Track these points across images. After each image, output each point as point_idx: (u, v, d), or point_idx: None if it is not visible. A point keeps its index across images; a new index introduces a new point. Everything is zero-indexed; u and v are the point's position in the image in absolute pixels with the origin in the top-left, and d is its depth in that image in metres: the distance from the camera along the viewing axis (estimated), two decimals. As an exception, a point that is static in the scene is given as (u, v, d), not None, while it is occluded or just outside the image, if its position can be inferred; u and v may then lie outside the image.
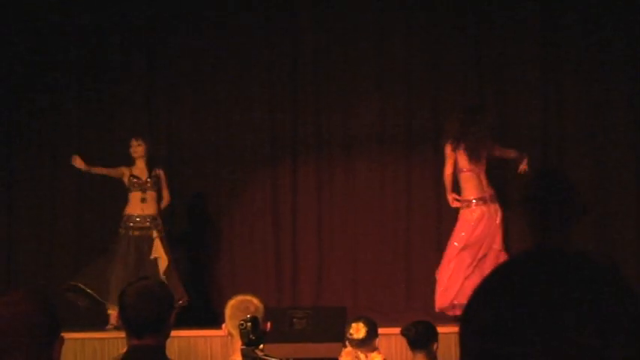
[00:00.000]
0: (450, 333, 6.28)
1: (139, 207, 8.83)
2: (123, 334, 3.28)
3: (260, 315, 3.92)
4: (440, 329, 5.68)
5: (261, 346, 3.65)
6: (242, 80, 9.81)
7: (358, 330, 5.66)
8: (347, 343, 5.74)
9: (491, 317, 1.02)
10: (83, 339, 8.07)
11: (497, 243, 8.35)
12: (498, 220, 8.38)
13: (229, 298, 4.36)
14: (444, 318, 7.97)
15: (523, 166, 8.53)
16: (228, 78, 9.82)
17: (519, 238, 8.68)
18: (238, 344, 3.77)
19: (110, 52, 9.94)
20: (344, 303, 8.66)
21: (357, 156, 9.67)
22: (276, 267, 9.65)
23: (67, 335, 2.48)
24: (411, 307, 9.09)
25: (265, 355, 3.61)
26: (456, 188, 8.44)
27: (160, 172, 9.01)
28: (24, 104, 9.98)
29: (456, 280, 8.24)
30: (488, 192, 8.38)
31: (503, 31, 9.47)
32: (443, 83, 9.57)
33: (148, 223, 8.79)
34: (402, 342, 6.93)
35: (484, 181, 8.37)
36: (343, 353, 5.77)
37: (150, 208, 8.84)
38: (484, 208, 8.33)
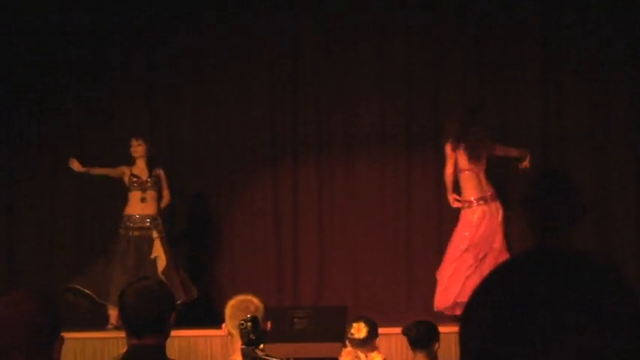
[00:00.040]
0: (450, 333, 6.27)
1: (139, 207, 8.84)
2: (123, 334, 3.29)
3: (260, 315, 3.92)
4: (440, 329, 5.68)
5: (262, 345, 3.65)
6: (242, 80, 9.81)
7: (359, 330, 5.67)
8: (347, 342, 5.74)
9: (491, 317, 1.02)
10: (83, 339, 8.08)
11: (498, 242, 8.34)
12: (500, 218, 8.37)
13: (229, 297, 4.36)
14: (445, 318, 7.97)
15: (525, 163, 8.53)
16: (228, 78, 9.82)
17: (519, 238, 8.66)
18: (238, 344, 3.77)
19: (110, 52, 9.94)
20: (344, 303, 8.64)
21: (358, 156, 9.67)
22: (277, 267, 9.65)
23: (67, 335, 2.48)
24: (411, 307, 9.09)
25: (265, 355, 3.61)
26: (456, 188, 8.44)
27: (161, 172, 9.01)
28: (24, 104, 9.98)
29: (457, 279, 8.23)
30: (489, 191, 8.39)
31: (503, 31, 9.47)
32: (443, 83, 9.57)
33: (147, 223, 8.80)
34: (403, 342, 6.94)
35: (483, 181, 8.37)
36: (343, 353, 5.77)
37: (150, 208, 8.85)
38: (485, 207, 8.34)
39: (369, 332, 5.68)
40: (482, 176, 8.37)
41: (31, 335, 2.32)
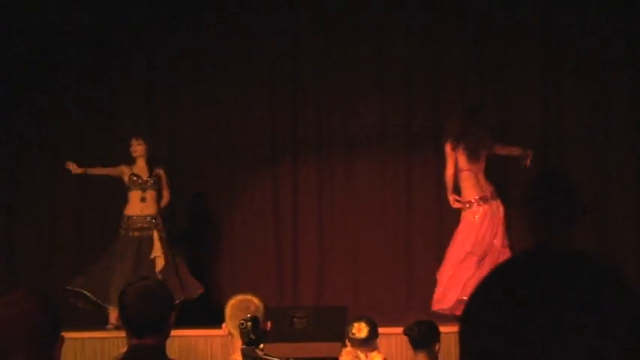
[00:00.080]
0: (450, 333, 6.27)
1: (139, 207, 8.83)
2: (123, 334, 3.28)
3: (260, 314, 3.92)
4: (440, 329, 5.68)
5: (262, 345, 3.65)
6: (242, 80, 9.81)
7: (360, 329, 5.67)
8: (347, 342, 5.74)
9: (491, 317, 1.03)
10: (83, 338, 8.08)
11: (499, 240, 8.32)
12: (501, 216, 8.36)
13: (229, 297, 4.36)
14: (444, 318, 7.96)
15: (527, 161, 8.53)
16: (228, 78, 9.82)
17: (519, 238, 8.67)
18: (238, 344, 3.77)
19: (110, 52, 9.94)
20: (344, 303, 8.66)
21: (358, 156, 9.68)
22: (277, 267, 9.66)
23: (67, 335, 2.48)
24: (411, 307, 9.10)
25: (265, 355, 3.61)
26: (455, 188, 8.43)
27: (161, 172, 9.02)
28: (24, 104, 9.98)
29: (458, 280, 8.22)
30: (488, 190, 8.37)
31: (503, 31, 9.47)
32: (443, 83, 9.57)
33: (148, 224, 8.80)
34: (403, 342, 6.94)
35: (482, 180, 8.36)
36: (343, 353, 5.77)
37: (150, 208, 8.85)
38: (486, 207, 8.33)
39: (370, 332, 5.68)
40: (480, 176, 8.37)
41: (31, 335, 2.32)
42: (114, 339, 7.79)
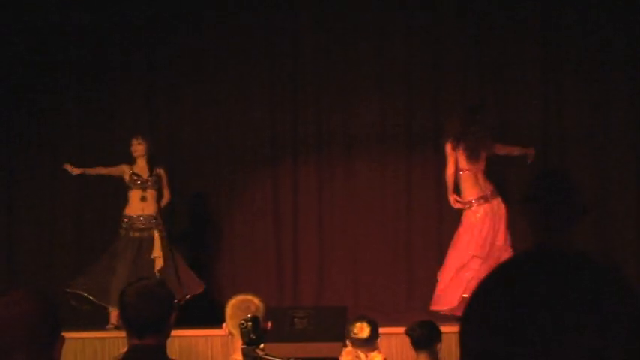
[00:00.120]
0: (450, 332, 6.27)
1: (140, 207, 8.83)
2: (123, 334, 3.29)
3: (260, 314, 3.93)
4: (441, 329, 5.68)
5: (262, 345, 3.66)
6: (242, 80, 9.81)
7: (362, 329, 5.67)
8: (348, 342, 5.75)
9: (491, 317, 1.03)
10: (84, 338, 8.08)
11: (501, 239, 8.31)
12: (502, 214, 8.34)
13: (230, 297, 4.37)
14: (445, 318, 7.96)
15: (530, 160, 8.54)
16: (228, 78, 9.82)
17: (520, 238, 8.66)
18: (239, 343, 3.78)
19: (110, 52, 9.94)
20: (345, 302, 8.66)
21: (358, 156, 9.68)
22: (277, 267, 9.66)
23: (67, 335, 2.48)
24: (411, 307, 9.10)
25: (266, 355, 3.62)
26: (456, 188, 8.43)
27: (161, 171, 9.02)
28: (24, 104, 9.98)
29: (460, 280, 8.20)
30: (488, 189, 8.36)
31: (503, 31, 9.47)
32: (443, 83, 9.57)
33: (148, 224, 8.79)
34: (403, 342, 6.94)
35: (481, 180, 8.35)
36: (344, 352, 5.77)
37: (150, 208, 8.85)
38: (486, 206, 8.32)
39: (371, 332, 5.69)
40: (480, 175, 8.36)
41: (31, 335, 2.32)
42: (114, 339, 7.79)
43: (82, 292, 8.61)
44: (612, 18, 9.25)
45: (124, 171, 8.90)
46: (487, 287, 1.07)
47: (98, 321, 8.63)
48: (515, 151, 8.63)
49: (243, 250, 9.71)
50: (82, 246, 9.72)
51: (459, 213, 8.44)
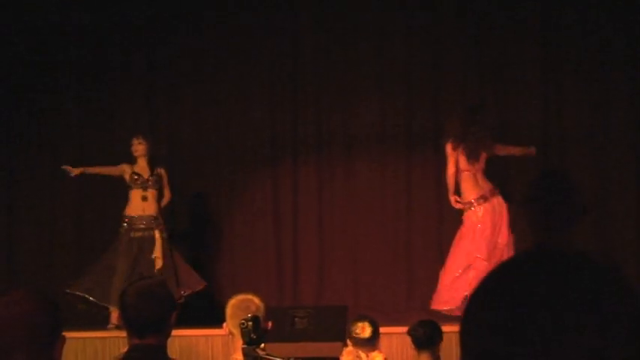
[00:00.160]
0: (451, 332, 6.28)
1: (140, 207, 8.83)
2: (124, 334, 3.29)
3: (261, 314, 3.93)
4: (442, 328, 5.69)
5: (263, 345, 3.66)
6: (242, 80, 9.81)
7: (364, 329, 5.68)
8: (349, 342, 5.75)
9: (491, 317, 1.03)
10: (84, 338, 8.08)
11: (503, 238, 8.30)
12: (504, 213, 8.33)
13: (230, 297, 4.37)
14: (445, 317, 7.95)
15: (531, 154, 8.55)
16: (228, 78, 9.82)
17: (520, 238, 8.66)
18: (239, 343, 3.78)
19: (110, 52, 9.94)
20: (345, 302, 8.64)
21: (358, 156, 9.68)
22: (277, 266, 9.66)
23: (68, 334, 2.48)
24: (411, 307, 9.10)
25: (266, 355, 3.62)
26: (456, 189, 8.42)
27: (162, 171, 9.02)
28: (24, 104, 9.98)
29: (464, 281, 8.18)
30: (487, 188, 8.34)
31: (503, 31, 9.47)
32: (443, 83, 9.57)
33: (149, 224, 8.79)
34: (403, 341, 6.94)
35: (480, 180, 8.34)
36: (344, 352, 5.77)
37: (150, 208, 8.85)
38: (486, 205, 8.31)
39: (373, 332, 5.70)
40: (479, 176, 8.35)
41: (32, 335, 2.33)
42: (115, 339, 7.79)
43: (82, 294, 8.60)
44: (612, 18, 9.25)
45: (125, 170, 8.90)
46: (487, 287, 1.07)
47: (99, 321, 8.63)
48: (516, 151, 8.62)
49: (244, 250, 9.71)
50: (82, 246, 9.72)
51: (459, 213, 8.44)
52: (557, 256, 1.05)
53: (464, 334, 1.07)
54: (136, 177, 8.86)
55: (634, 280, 1.04)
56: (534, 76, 9.43)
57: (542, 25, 9.46)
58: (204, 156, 9.83)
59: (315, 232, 9.68)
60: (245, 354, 3.64)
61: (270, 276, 9.60)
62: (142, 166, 8.92)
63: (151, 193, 8.88)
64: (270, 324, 4.04)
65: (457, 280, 8.20)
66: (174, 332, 3.39)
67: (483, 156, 8.34)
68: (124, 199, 8.91)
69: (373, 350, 5.73)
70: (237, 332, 3.83)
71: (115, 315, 8.27)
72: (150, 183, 8.89)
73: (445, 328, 5.74)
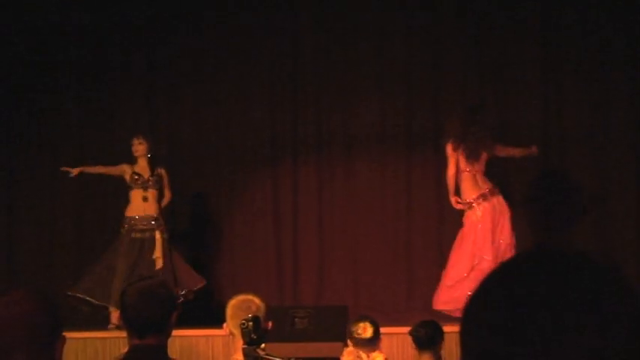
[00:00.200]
0: (452, 332, 6.28)
1: (141, 207, 8.83)
2: (124, 334, 3.29)
3: (261, 314, 3.93)
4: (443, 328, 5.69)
5: (263, 345, 3.66)
6: (242, 80, 9.81)
7: (365, 329, 5.68)
8: (349, 342, 5.75)
9: (491, 317, 1.03)
10: (85, 338, 8.08)
11: (506, 238, 8.28)
12: (505, 211, 8.32)
13: (230, 297, 4.37)
14: (446, 317, 7.95)
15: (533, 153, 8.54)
16: (228, 78, 9.82)
17: (520, 238, 8.67)
18: (240, 343, 3.78)
19: (110, 52, 9.94)
20: (345, 302, 8.65)
21: (358, 156, 9.68)
22: (277, 266, 9.66)
23: (68, 335, 2.48)
24: (411, 307, 9.10)
25: (267, 355, 3.62)
26: (456, 189, 8.42)
27: (162, 171, 9.02)
28: (24, 104, 9.98)
29: (470, 280, 8.16)
30: (486, 187, 8.33)
31: (503, 31, 9.48)
32: (443, 83, 9.57)
33: (150, 224, 8.79)
34: (403, 341, 6.95)
35: (480, 180, 8.34)
36: (345, 353, 5.77)
37: (151, 208, 8.84)
38: (486, 204, 8.30)
39: (374, 332, 5.70)
40: (479, 176, 8.35)
41: (32, 335, 2.32)
42: (115, 339, 7.79)
43: (82, 296, 8.60)
44: (612, 18, 9.25)
45: (125, 170, 8.89)
46: (487, 287, 1.07)
47: (99, 321, 8.63)
48: (517, 152, 8.61)
49: (244, 250, 9.71)
50: (82, 246, 9.72)
51: (459, 213, 8.44)
52: (557, 256, 1.05)
53: (464, 334, 1.07)
54: (136, 177, 8.86)
55: (634, 280, 1.04)
56: (534, 76, 9.43)
57: (542, 25, 9.46)
58: (204, 156, 9.83)
59: (315, 232, 9.68)
60: (245, 354, 3.64)
61: (270, 276, 9.60)
62: (142, 166, 8.92)
63: (151, 194, 8.88)
64: (270, 324, 4.04)
65: (465, 281, 8.16)
66: (175, 332, 3.38)
67: (484, 156, 8.33)
68: (124, 199, 8.91)
69: (374, 350, 5.74)
70: (237, 332, 3.83)
71: (115, 315, 8.27)
72: (150, 183, 8.89)
73: (446, 329, 5.75)
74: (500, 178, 8.71)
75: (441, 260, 8.81)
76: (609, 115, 9.27)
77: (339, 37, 9.72)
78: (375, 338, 5.72)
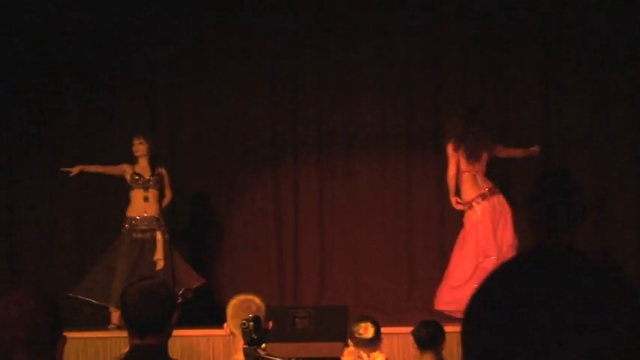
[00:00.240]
0: (453, 332, 6.28)
1: (142, 207, 8.82)
2: (125, 334, 3.29)
3: (262, 314, 3.93)
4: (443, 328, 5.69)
5: (264, 345, 3.66)
6: (242, 80, 9.81)
7: (367, 330, 5.68)
8: (350, 342, 5.75)
9: (491, 317, 1.03)
10: (85, 338, 8.08)
11: (509, 238, 8.27)
12: (506, 211, 8.30)
13: (231, 297, 4.37)
14: (448, 318, 7.95)
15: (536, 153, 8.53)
16: (229, 78, 9.82)
17: (520, 238, 8.67)
18: (240, 343, 3.78)
19: (110, 52, 9.94)
20: (345, 302, 8.66)
21: (358, 156, 9.68)
22: (278, 266, 9.66)
23: (69, 335, 2.48)
24: (412, 307, 9.10)
25: (267, 355, 3.62)
26: (456, 190, 8.41)
27: (163, 171, 9.01)
28: (24, 104, 9.98)
29: (475, 281, 8.15)
30: (486, 187, 8.32)
31: (503, 31, 9.48)
32: (443, 83, 9.57)
33: (151, 225, 8.78)
34: (404, 341, 6.95)
35: (480, 180, 8.33)
36: (345, 353, 5.77)
37: (152, 208, 8.83)
38: (485, 203, 8.29)
39: (375, 332, 5.70)
40: (479, 177, 8.34)
41: (33, 335, 2.32)
42: (116, 339, 7.79)
43: (83, 297, 8.60)
44: (612, 18, 9.25)
45: (126, 170, 8.89)
46: (487, 287, 1.07)
47: (100, 321, 8.63)
48: (517, 153, 8.60)
49: (244, 250, 9.71)
50: (82, 246, 9.72)
51: (460, 213, 8.43)
52: (557, 256, 1.05)
53: (465, 334, 1.07)
54: (137, 177, 8.86)
55: (634, 280, 1.05)
56: (534, 76, 9.43)
57: (542, 25, 9.46)
58: (205, 156, 9.83)
59: (316, 232, 9.68)
60: (246, 354, 3.64)
61: (270, 276, 9.60)
62: (142, 166, 8.91)
63: (152, 194, 8.88)
64: (271, 324, 4.04)
65: (470, 281, 8.12)
66: (176, 332, 3.39)
67: (484, 157, 8.32)
68: (125, 199, 8.90)
69: (375, 350, 5.74)
70: (238, 332, 3.83)
71: (115, 315, 8.27)
72: (151, 183, 8.88)
73: (447, 329, 5.75)
74: (500, 178, 8.71)
75: (441, 260, 8.82)
76: (609, 115, 9.27)
77: (339, 37, 9.72)
78: (376, 338, 5.72)
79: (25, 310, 2.33)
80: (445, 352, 5.66)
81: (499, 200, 8.33)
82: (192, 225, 9.89)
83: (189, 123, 9.92)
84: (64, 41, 9.89)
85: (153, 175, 8.90)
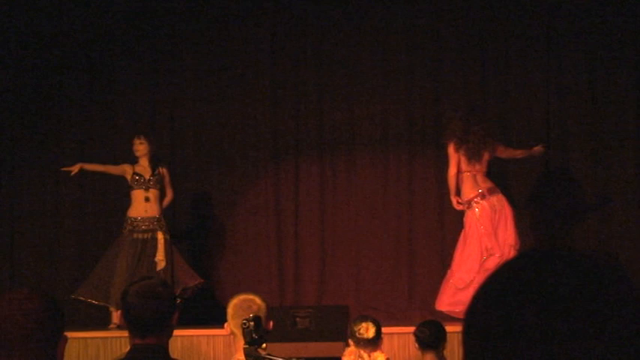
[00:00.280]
0: (454, 332, 6.28)
1: (143, 208, 8.81)
2: (126, 334, 3.29)
3: (262, 314, 3.92)
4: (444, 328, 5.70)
5: (264, 345, 3.66)
6: (244, 80, 9.81)
7: (368, 329, 5.68)
8: (351, 342, 5.75)
9: (492, 317, 1.03)
10: (86, 338, 8.08)
11: (510, 237, 8.26)
12: (506, 210, 8.29)
13: (231, 297, 4.36)
14: (449, 318, 7.95)
15: (540, 152, 8.52)
16: (231, 77, 9.82)
17: (520, 238, 8.67)
18: (241, 343, 3.78)
19: (110, 52, 9.94)
20: (346, 302, 8.68)
21: (359, 155, 9.68)
22: (279, 266, 9.66)
23: (70, 334, 2.49)
24: (413, 307, 9.10)
25: (268, 354, 3.62)
26: (457, 190, 8.41)
27: (164, 170, 9.01)
28: (24, 104, 9.98)
29: (475, 282, 8.14)
30: (485, 186, 8.32)
31: (504, 30, 9.47)
32: (444, 83, 9.57)
33: (152, 225, 8.78)
34: (404, 341, 6.95)
35: (480, 180, 8.32)
36: (346, 352, 5.78)
37: (153, 208, 8.83)
38: (484, 202, 8.28)
39: (376, 332, 5.70)
40: (479, 177, 8.33)
41: (34, 334, 2.33)
42: (117, 339, 7.80)
43: (84, 299, 8.61)
44: (612, 18, 9.24)
45: (126, 171, 8.89)
46: (488, 287, 1.07)
47: (100, 321, 8.64)
48: (518, 153, 8.60)
49: (245, 250, 9.71)
50: (84, 246, 9.72)
51: (460, 214, 8.43)
52: (559, 255, 1.05)
53: (466, 334, 1.07)
54: (137, 177, 8.86)
55: (634, 279, 1.04)
56: (536, 76, 9.43)
57: (543, 25, 9.45)
58: (206, 155, 9.83)
59: (317, 231, 9.68)
60: (247, 354, 3.64)
61: (271, 276, 9.60)
62: (143, 166, 8.92)
63: (152, 193, 8.87)
64: (271, 324, 4.04)
65: (472, 284, 8.10)
66: (176, 332, 3.39)
67: (485, 157, 8.31)
68: (126, 198, 8.90)
69: (375, 350, 5.74)
70: (238, 332, 3.83)
71: (116, 315, 8.27)
72: (152, 183, 8.88)
73: (449, 329, 5.75)
74: (501, 178, 8.71)
75: (442, 260, 8.81)
76: (609, 115, 9.27)
77: (340, 37, 9.72)
78: (377, 338, 5.72)
79: (28, 309, 2.33)
80: (446, 353, 5.66)
81: (499, 200, 8.32)
82: (192, 224, 9.89)
83: (189, 122, 9.92)
84: (65, 41, 9.89)
85: (153, 174, 8.90)
